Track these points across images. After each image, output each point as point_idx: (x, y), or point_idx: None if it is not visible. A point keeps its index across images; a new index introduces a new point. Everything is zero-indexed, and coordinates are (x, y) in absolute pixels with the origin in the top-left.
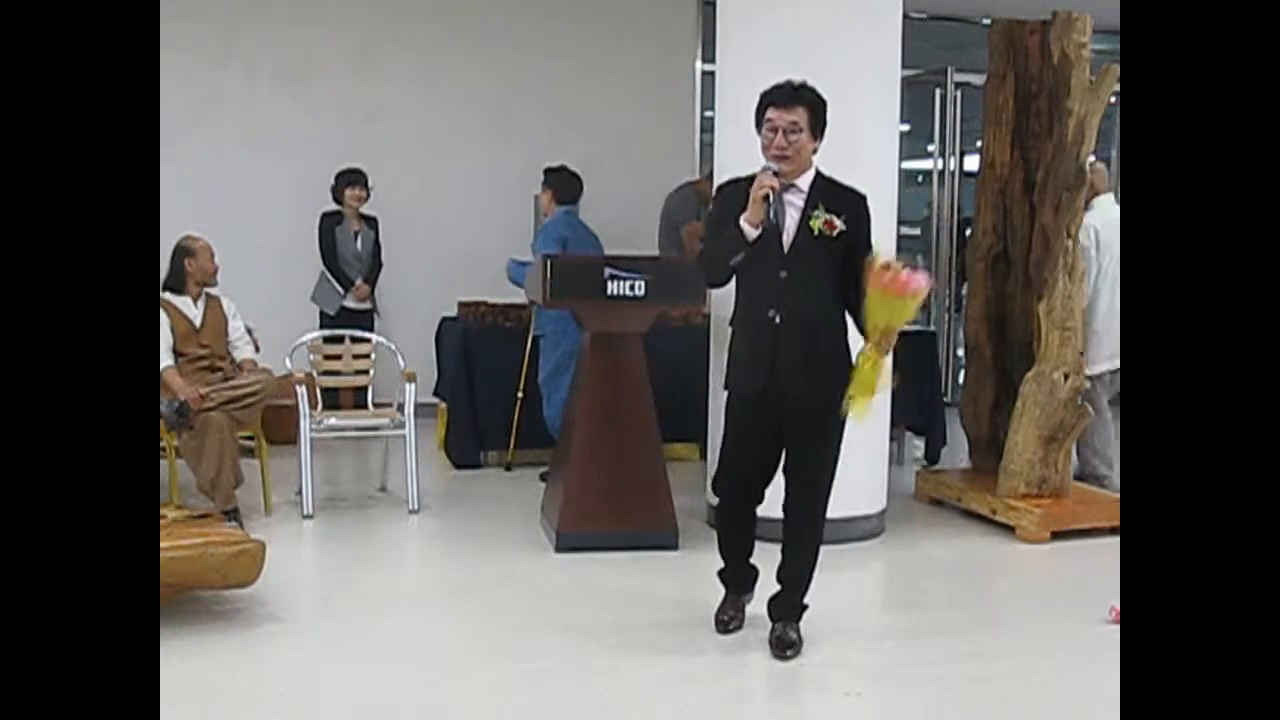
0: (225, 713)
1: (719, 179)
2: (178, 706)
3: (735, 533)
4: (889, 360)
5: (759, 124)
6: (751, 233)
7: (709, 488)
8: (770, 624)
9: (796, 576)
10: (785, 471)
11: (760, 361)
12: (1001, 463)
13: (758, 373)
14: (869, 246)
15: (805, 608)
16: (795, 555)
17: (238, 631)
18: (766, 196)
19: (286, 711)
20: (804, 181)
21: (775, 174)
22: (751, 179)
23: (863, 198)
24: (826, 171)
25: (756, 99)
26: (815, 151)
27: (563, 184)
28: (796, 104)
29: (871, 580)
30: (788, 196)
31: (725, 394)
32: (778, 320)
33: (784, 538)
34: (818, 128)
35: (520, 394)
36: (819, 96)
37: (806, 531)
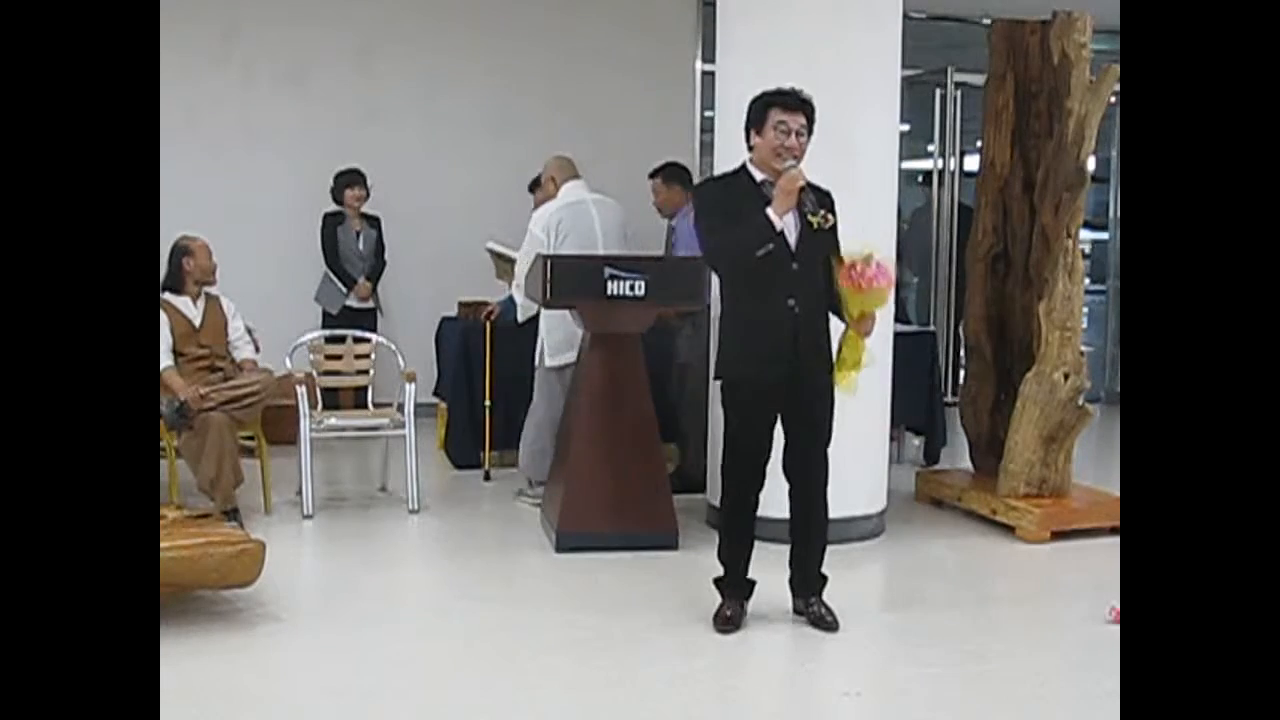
0: (225, 713)
1: None
2: (178, 706)
3: (742, 529)
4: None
5: (759, 123)
6: (779, 224)
7: (708, 488)
8: (805, 603)
9: (816, 555)
10: (794, 454)
11: (783, 350)
12: (1001, 463)
13: (780, 361)
14: (837, 239)
15: (826, 579)
16: (810, 536)
17: (238, 631)
18: (802, 189)
19: (286, 711)
20: None
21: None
22: (732, 175)
23: (830, 193)
24: (826, 171)
25: (754, 100)
26: None
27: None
28: (801, 110)
29: (871, 580)
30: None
31: (724, 387)
32: (797, 309)
33: (796, 524)
34: (811, 133)
35: (488, 401)
36: (814, 106)
37: (817, 511)
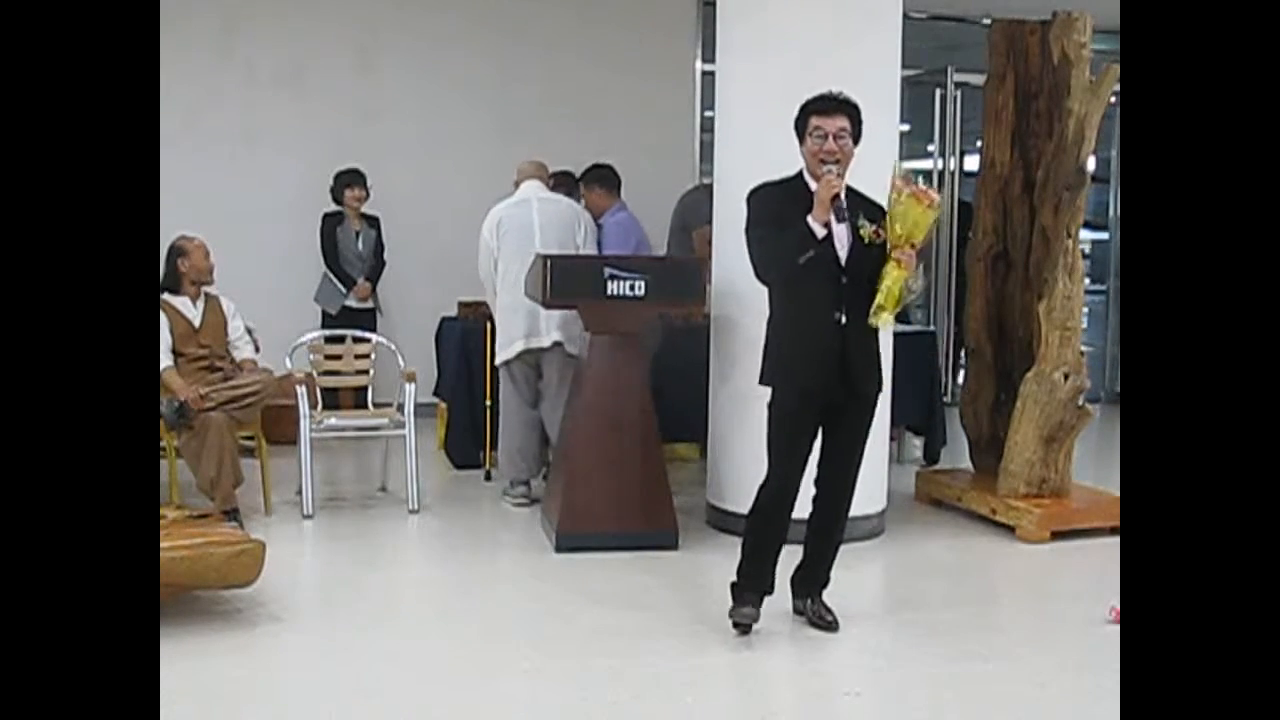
0: (225, 713)
1: (719, 180)
2: (178, 706)
3: (776, 536)
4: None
5: (801, 132)
6: (820, 231)
7: (708, 488)
8: (805, 603)
9: (829, 556)
10: (829, 461)
11: (830, 361)
12: (1001, 463)
13: (827, 371)
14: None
15: (829, 580)
16: (830, 538)
17: (238, 631)
18: (836, 196)
19: (286, 711)
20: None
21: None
22: (783, 183)
23: (881, 206)
24: None
25: (798, 109)
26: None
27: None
28: (840, 112)
29: (871, 580)
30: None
31: (771, 394)
32: (844, 322)
33: (817, 525)
34: (857, 135)
35: (488, 401)
36: (857, 107)
37: (842, 516)
